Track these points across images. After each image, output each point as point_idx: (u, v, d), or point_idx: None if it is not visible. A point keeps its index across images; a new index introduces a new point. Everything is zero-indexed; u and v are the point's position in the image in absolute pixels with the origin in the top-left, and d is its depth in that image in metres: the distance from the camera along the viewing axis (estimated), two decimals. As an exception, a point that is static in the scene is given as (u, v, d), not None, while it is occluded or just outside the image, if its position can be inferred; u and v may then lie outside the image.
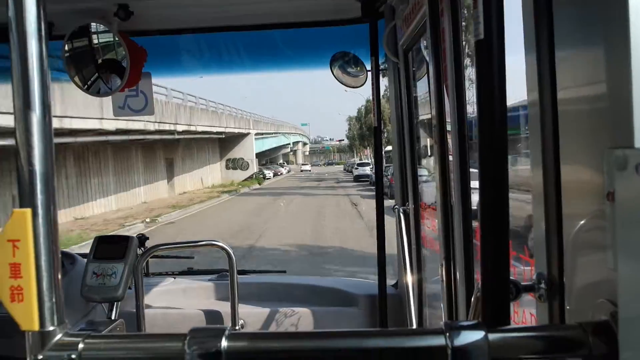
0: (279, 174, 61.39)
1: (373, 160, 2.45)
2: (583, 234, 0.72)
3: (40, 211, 0.59)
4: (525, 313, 1.07)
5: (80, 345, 0.61)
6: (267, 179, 49.42)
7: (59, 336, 0.61)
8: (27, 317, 0.59)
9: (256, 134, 45.72)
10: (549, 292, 0.79)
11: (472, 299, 0.95)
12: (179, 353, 0.59)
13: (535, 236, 0.83)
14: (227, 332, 0.60)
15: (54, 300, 0.60)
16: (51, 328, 0.60)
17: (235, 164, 42.57)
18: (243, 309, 2.24)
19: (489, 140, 0.71)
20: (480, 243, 0.77)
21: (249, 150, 43.22)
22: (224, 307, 2.25)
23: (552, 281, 0.78)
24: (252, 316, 2.31)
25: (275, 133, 65.50)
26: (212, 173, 40.77)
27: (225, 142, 41.01)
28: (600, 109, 0.64)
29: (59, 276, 0.61)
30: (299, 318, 2.34)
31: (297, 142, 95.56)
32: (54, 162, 0.60)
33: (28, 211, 0.58)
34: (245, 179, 41.74)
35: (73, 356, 0.61)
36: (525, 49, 0.81)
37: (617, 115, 0.60)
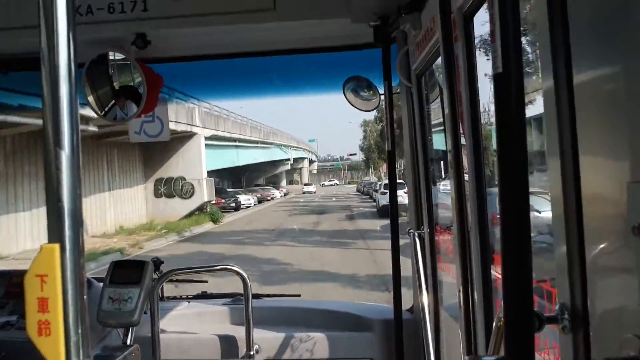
0: (269, 198, 45.39)
1: (388, 182, 2.45)
2: (606, 266, 0.71)
3: (68, 246, 0.60)
4: (547, 342, 1.06)
5: None
6: (241, 208, 33.73)
7: None
8: (54, 351, 0.60)
9: (212, 138, 27.60)
10: (572, 324, 0.78)
11: (493, 328, 0.94)
12: None
13: (558, 266, 0.83)
14: None
15: (79, 334, 0.61)
16: None
17: (171, 189, 25.30)
18: (257, 334, 2.22)
19: (510, 174, 0.70)
20: (502, 273, 0.76)
21: (193, 164, 25.21)
22: (239, 332, 2.23)
23: (575, 312, 0.77)
24: (266, 341, 2.30)
25: (262, 142, 46.07)
26: (125, 205, 23.37)
27: (151, 150, 24.32)
28: (621, 141, 0.64)
29: (86, 311, 0.62)
30: (314, 343, 2.32)
31: (302, 159, 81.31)
32: (81, 198, 0.62)
33: (56, 246, 0.59)
34: (189, 215, 24.91)
35: None
36: (543, 78, 0.81)
37: (637, 147, 0.60)
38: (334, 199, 46.13)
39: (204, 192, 25.99)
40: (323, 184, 73.26)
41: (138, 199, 25.02)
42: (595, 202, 0.72)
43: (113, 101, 2.44)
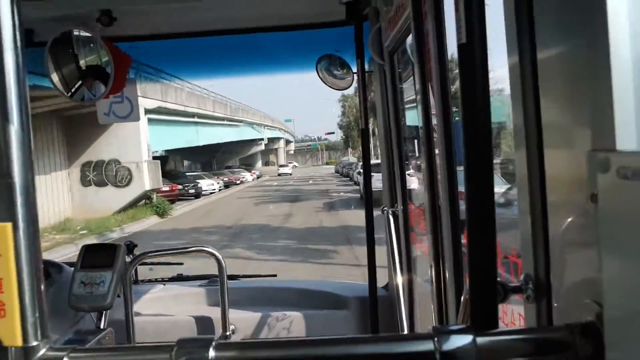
0: (237, 182, 40.58)
1: (362, 162, 2.45)
2: (569, 235, 0.72)
3: (21, 224, 0.58)
4: (514, 313, 1.08)
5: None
6: (203, 195, 29.11)
7: (42, 351, 0.60)
8: (10, 332, 0.58)
9: (157, 111, 21.80)
10: (536, 293, 0.79)
11: (462, 300, 0.95)
12: None
13: (522, 237, 0.84)
14: (214, 343, 0.59)
15: (37, 314, 0.59)
16: (34, 343, 0.59)
17: (103, 175, 20.16)
18: (234, 315, 2.22)
19: (474, 143, 0.71)
20: (467, 246, 0.77)
21: (130, 143, 19.79)
22: (215, 313, 2.23)
23: (539, 282, 0.79)
24: (243, 321, 2.30)
25: (229, 120, 39.41)
26: (40, 197, 14.50)
27: (76, 126, 18.91)
28: (583, 112, 0.64)
29: (42, 290, 0.60)
30: (290, 322, 2.34)
31: (278, 139, 74.45)
32: (34, 174, 0.59)
33: (8, 225, 0.57)
34: (127, 207, 19.85)
35: None
36: (508, 51, 0.81)
37: (599, 118, 0.60)
38: (310, 182, 40.90)
39: (145, 179, 20.31)
40: (281, 165, 62.42)
41: (58, 189, 19.26)
42: (558, 173, 0.73)
43: (80, 81, 2.36)
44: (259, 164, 70.07)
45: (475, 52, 0.67)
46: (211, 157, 52.70)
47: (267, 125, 60.42)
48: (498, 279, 0.79)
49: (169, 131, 25.70)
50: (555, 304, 0.75)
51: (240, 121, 44.98)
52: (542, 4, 0.74)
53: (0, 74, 0.57)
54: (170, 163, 39.31)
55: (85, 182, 20.40)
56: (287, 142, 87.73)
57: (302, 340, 0.64)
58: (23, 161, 0.58)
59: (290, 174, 56.54)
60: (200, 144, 33.34)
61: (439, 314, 1.44)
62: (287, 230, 15.08)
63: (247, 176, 46.63)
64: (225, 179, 39.11)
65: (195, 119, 30.00)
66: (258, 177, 50.90)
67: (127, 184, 20.30)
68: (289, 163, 68.39)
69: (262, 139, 59.06)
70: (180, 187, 27.18)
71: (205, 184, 31.75)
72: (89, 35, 2.20)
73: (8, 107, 0.57)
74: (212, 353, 0.59)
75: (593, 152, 0.58)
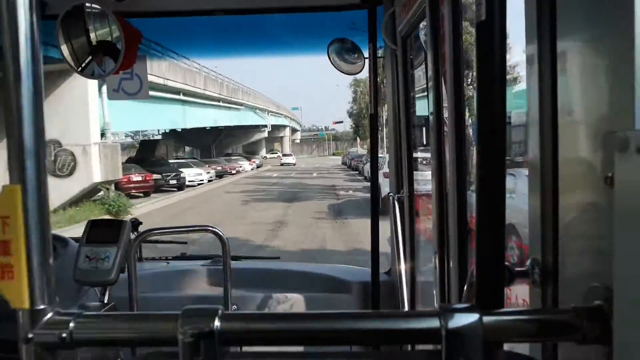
0: (233, 172, 36.53)
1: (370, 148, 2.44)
2: (578, 221, 0.72)
3: (30, 187, 0.58)
4: (518, 299, 1.08)
5: (71, 324, 0.61)
6: (189, 185, 25.44)
7: (49, 315, 0.60)
8: (18, 295, 0.58)
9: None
10: (542, 278, 0.79)
11: (466, 284, 0.95)
12: (171, 333, 0.59)
13: (530, 221, 0.83)
14: (220, 312, 0.60)
15: (44, 278, 0.59)
16: (42, 306, 0.59)
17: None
18: (236, 294, 2.24)
19: (488, 126, 0.70)
20: (475, 228, 0.77)
21: (76, 119, 15.06)
22: (217, 292, 2.24)
23: (546, 267, 0.78)
24: (244, 301, 2.31)
25: (226, 101, 34.18)
26: None
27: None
28: (601, 93, 0.63)
29: (50, 254, 0.60)
30: (292, 304, 2.35)
31: (284, 127, 70.34)
32: (44, 137, 0.59)
33: (18, 187, 0.57)
34: (69, 204, 15.27)
35: (64, 335, 0.60)
36: (526, 30, 0.80)
37: (617, 100, 0.59)
38: (314, 174, 35.82)
39: (94, 167, 15.78)
40: (284, 155, 58.66)
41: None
42: (571, 156, 0.72)
43: (90, 56, 2.35)
44: (264, 151, 66.57)
45: (494, 31, 0.66)
46: (210, 144, 49.79)
47: (271, 111, 55.46)
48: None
49: (141, 109, 19.83)
50: (561, 289, 0.75)
51: (241, 104, 40.17)
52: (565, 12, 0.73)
53: (14, 40, 0.56)
54: (161, 148, 35.07)
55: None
56: (294, 130, 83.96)
57: (307, 313, 0.64)
58: (34, 124, 0.57)
59: (294, 164, 52.50)
60: (188, 126, 29.22)
61: (442, 298, 1.44)
62: (271, 252, 9.59)
63: (246, 165, 42.42)
64: (218, 167, 34.43)
65: (182, 97, 24.99)
66: (258, 167, 46.88)
67: (70, 173, 15.56)
68: (290, 153, 63.01)
69: (265, 126, 54.66)
70: (158, 176, 22.93)
71: (192, 173, 27.13)
72: (101, 9, 2.19)
73: (21, 70, 0.57)
74: (217, 323, 0.59)
75: (611, 132, 0.57)
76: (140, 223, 2.45)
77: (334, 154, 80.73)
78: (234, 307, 2.19)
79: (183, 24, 2.60)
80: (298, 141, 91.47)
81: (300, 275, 2.53)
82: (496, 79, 0.66)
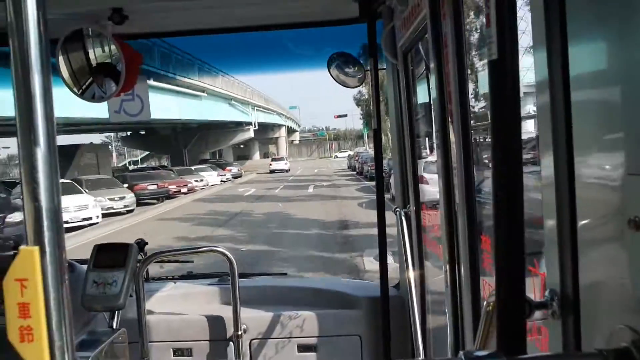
0: (182, 191, 24.47)
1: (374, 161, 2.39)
2: (599, 255, 0.71)
3: (48, 249, 0.57)
4: (534, 326, 1.07)
5: None
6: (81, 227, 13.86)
7: None
8: (38, 357, 0.58)
9: None
10: (562, 310, 0.78)
11: (482, 312, 0.94)
12: None
13: (547, 250, 0.82)
14: None
15: (64, 339, 0.59)
16: None
17: None
18: (245, 313, 2.23)
19: (504, 159, 0.69)
20: (494, 258, 0.76)
21: None
22: (226, 312, 2.24)
23: (565, 299, 0.77)
24: (254, 320, 2.30)
25: (195, 88, 27.71)
26: None
27: None
28: (619, 132, 0.63)
29: (70, 315, 0.59)
30: (302, 321, 2.34)
31: (279, 127, 60.76)
32: (60, 198, 0.59)
33: (36, 249, 0.57)
34: None
35: None
36: (536, 68, 0.79)
37: (636, 139, 0.59)
38: (311, 189, 24.24)
39: None
40: (274, 159, 45.68)
41: None
42: (589, 191, 0.72)
43: (90, 79, 2.35)
44: (257, 156, 56.72)
45: (506, 69, 0.65)
46: (184, 147, 38.68)
47: (258, 106, 44.79)
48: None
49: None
50: (583, 325, 0.74)
51: (202, 90, 29.00)
52: (575, 9, 0.72)
53: (27, 95, 0.56)
54: (84, 157, 25.39)
55: None
56: (291, 131, 74.90)
57: None
58: (50, 184, 0.57)
59: (287, 171, 41.32)
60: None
61: (454, 324, 1.43)
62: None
63: (211, 178, 30.33)
64: (150, 186, 22.11)
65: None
66: (235, 177, 35.22)
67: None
68: (283, 156, 50.58)
69: (249, 123, 42.43)
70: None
71: (74, 205, 15.07)
72: (100, 33, 2.20)
73: (35, 129, 0.56)
74: None
75: (633, 176, 0.56)
76: (146, 243, 2.44)
77: (336, 156, 72.94)
78: (244, 326, 2.18)
79: (182, 42, 2.59)
80: (297, 142, 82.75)
81: (308, 292, 2.52)
82: (510, 118, 0.66)
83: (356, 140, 70.65)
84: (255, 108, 43.75)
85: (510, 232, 0.72)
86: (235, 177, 35.87)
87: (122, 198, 18.91)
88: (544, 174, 0.82)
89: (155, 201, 22.00)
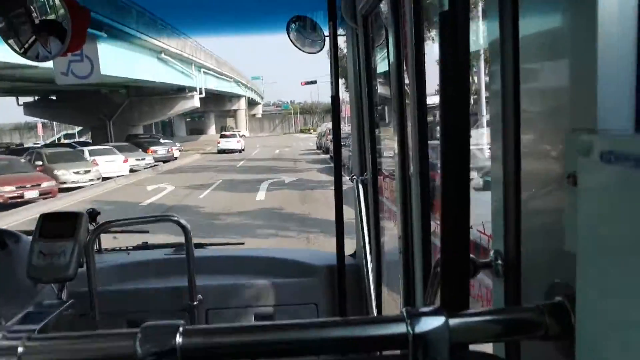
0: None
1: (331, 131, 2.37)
2: (541, 212, 0.72)
3: None
4: (481, 287, 1.09)
5: (20, 349, 0.57)
6: None
7: None
8: None
9: None
10: (505, 270, 0.79)
11: (431, 274, 0.94)
12: (130, 352, 0.56)
13: (493, 213, 0.83)
14: (181, 329, 0.57)
15: None
16: None
17: None
18: (201, 283, 2.20)
19: (452, 116, 0.69)
20: (440, 220, 0.76)
21: None
22: (181, 282, 2.20)
23: (508, 259, 0.78)
24: (210, 290, 2.28)
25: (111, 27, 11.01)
26: None
27: None
28: (564, 88, 0.62)
29: None
30: (258, 291, 2.33)
31: (238, 97, 52.09)
32: None
33: None
34: None
35: None
36: (487, 22, 0.78)
37: (580, 95, 0.58)
38: (261, 192, 13.95)
39: None
40: (222, 136, 35.90)
41: None
42: (534, 150, 0.72)
43: (33, 37, 2.21)
44: (212, 129, 48.59)
45: (457, 21, 0.63)
46: (108, 118, 30.22)
47: (206, 68, 34.53)
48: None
49: None
50: (524, 282, 0.75)
51: (143, 46, 21.62)
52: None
53: None
54: None
55: None
56: (253, 103, 67.44)
57: (271, 324, 0.61)
58: None
59: (240, 151, 32.77)
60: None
61: (406, 285, 1.45)
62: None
63: (108, 167, 19.48)
64: None
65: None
66: (165, 162, 25.43)
67: None
68: (235, 132, 39.49)
69: (194, 89, 32.16)
70: None
71: None
72: (43, -13, 2.05)
73: None
74: (178, 339, 0.56)
75: (573, 133, 0.56)
76: (99, 213, 2.36)
77: (301, 131, 65.42)
78: (200, 297, 2.15)
79: None
80: (259, 116, 74.68)
81: (265, 261, 2.51)
82: (459, 72, 0.64)
83: (323, 115, 60.67)
84: (202, 70, 33.02)
85: (456, 193, 0.72)
86: (165, 160, 25.68)
87: None
88: (492, 137, 0.82)
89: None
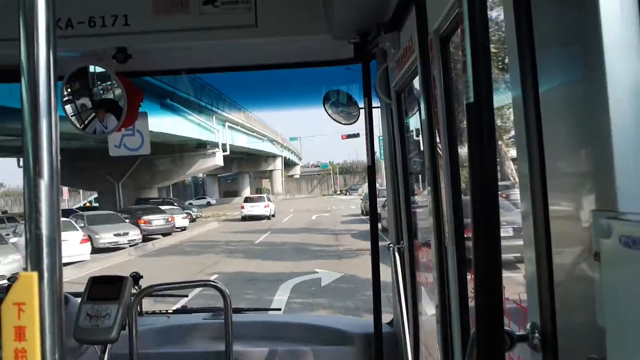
0: None
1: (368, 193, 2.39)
2: (574, 287, 0.74)
3: (46, 274, 0.60)
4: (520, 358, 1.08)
5: None
6: None
7: None
8: None
9: None
10: (542, 343, 0.80)
11: (468, 346, 0.96)
12: None
13: (528, 285, 0.85)
14: None
15: None
16: None
17: None
18: (238, 349, 2.21)
19: (480, 197, 0.73)
20: (474, 292, 0.79)
21: None
22: (219, 347, 2.22)
23: (545, 331, 0.80)
24: (247, 356, 2.28)
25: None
26: None
27: None
28: (586, 171, 0.67)
29: (63, 340, 0.62)
30: (294, 357, 2.32)
31: (274, 157, 49.36)
32: (60, 227, 0.62)
33: (35, 275, 0.60)
34: None
35: None
36: (514, 109, 0.84)
37: (601, 178, 0.63)
38: (289, 286, 9.32)
39: None
40: (247, 200, 30.33)
41: None
42: (563, 226, 0.75)
43: (92, 114, 2.42)
44: (247, 191, 44.19)
45: (482, 112, 0.70)
46: (118, 180, 26.99)
47: (231, 122, 29.23)
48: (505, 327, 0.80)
49: None
50: (561, 355, 0.76)
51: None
52: (544, 47, 0.77)
53: (34, 129, 0.60)
54: None
55: None
56: (291, 164, 65.35)
57: None
58: (51, 213, 0.60)
59: (269, 218, 28.35)
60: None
61: (445, 356, 1.44)
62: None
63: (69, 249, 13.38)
64: None
65: None
66: (183, 230, 21.83)
67: None
68: (262, 195, 33.34)
69: (215, 144, 27.67)
70: None
71: None
72: (104, 70, 2.27)
73: (40, 160, 0.60)
74: None
75: (596, 213, 0.60)
76: (141, 277, 2.45)
77: (341, 192, 60.62)
78: None
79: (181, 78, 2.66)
80: (297, 176, 70.92)
81: (302, 328, 2.51)
82: (486, 157, 0.70)
83: (364, 174, 50.63)
84: (227, 124, 28.32)
85: (489, 265, 0.75)
86: (182, 229, 21.78)
87: None
88: (523, 210, 0.86)
89: None
